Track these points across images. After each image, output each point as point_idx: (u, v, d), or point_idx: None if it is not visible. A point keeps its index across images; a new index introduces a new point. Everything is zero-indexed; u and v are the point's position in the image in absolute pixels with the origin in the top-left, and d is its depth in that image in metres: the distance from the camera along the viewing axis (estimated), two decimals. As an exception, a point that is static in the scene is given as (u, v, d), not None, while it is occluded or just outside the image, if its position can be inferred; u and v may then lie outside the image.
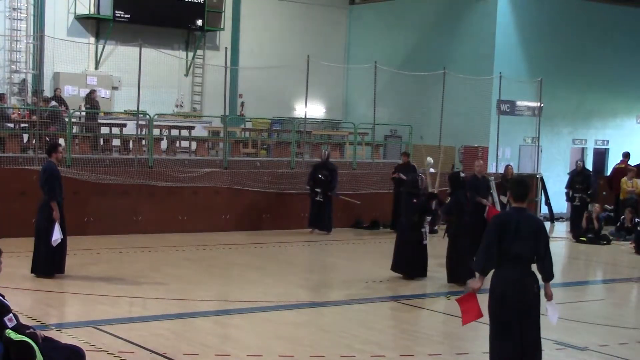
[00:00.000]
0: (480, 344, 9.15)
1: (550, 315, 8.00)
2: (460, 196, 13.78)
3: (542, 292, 7.75)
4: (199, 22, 27.69)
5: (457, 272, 13.48)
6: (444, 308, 12.07)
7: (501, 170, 24.64)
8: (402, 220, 14.62)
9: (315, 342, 9.70)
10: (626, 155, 24.33)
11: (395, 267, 14.26)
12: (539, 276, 7.74)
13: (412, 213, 14.18)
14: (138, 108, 20.02)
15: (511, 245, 7.52)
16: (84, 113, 23.36)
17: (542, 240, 7.65)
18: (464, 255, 13.27)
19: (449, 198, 14.14)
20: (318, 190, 19.68)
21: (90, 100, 22.02)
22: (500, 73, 25.38)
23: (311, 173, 20.00)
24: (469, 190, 15.43)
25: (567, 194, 22.73)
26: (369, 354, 9.18)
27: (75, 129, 20.47)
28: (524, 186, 7.86)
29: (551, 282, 7.78)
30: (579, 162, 23.55)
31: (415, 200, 14.20)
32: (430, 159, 23.07)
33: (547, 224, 24.73)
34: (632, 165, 24.13)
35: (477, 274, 7.79)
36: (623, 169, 23.56)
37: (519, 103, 27.34)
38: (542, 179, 25.50)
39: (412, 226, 14.14)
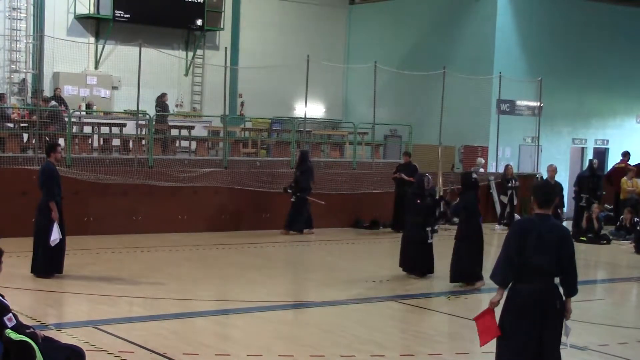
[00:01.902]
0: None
1: (564, 333, 7.25)
2: (471, 197, 13.54)
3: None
4: (199, 22, 27.68)
5: (461, 274, 13.43)
6: (444, 308, 12.08)
7: (501, 169, 24.69)
8: (408, 220, 14.68)
9: (316, 342, 9.70)
10: (625, 155, 24.28)
11: (402, 265, 14.39)
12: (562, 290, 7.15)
13: (416, 213, 14.21)
14: (138, 108, 20.02)
15: (532, 256, 6.83)
16: (84, 113, 23.41)
17: (567, 251, 6.93)
18: (471, 257, 13.25)
19: (458, 198, 14.01)
20: (290, 190, 19.58)
21: (161, 103, 22.15)
22: (500, 73, 25.38)
23: (294, 174, 20.00)
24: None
25: (576, 192, 22.21)
26: (369, 354, 9.18)
27: (75, 129, 20.47)
28: (549, 190, 7.21)
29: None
30: (594, 162, 22.66)
31: (419, 201, 14.21)
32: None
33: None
34: (632, 164, 24.09)
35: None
36: (623, 169, 23.52)
37: (518, 103, 27.34)
38: (542, 178, 25.50)
39: (416, 226, 14.19)
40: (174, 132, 22.59)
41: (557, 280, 7.07)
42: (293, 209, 19.63)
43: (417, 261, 14.23)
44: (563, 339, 7.19)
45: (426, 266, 14.27)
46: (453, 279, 13.50)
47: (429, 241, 14.22)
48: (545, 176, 25.72)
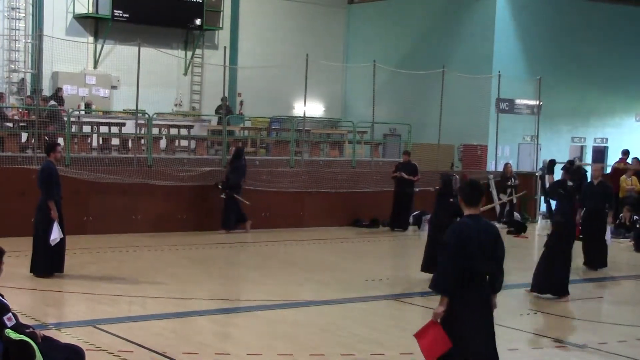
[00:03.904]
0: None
1: None
2: (566, 206, 13.11)
3: None
4: (198, 22, 27.71)
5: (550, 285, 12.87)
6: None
7: (500, 168, 24.71)
8: (433, 221, 14.22)
9: (315, 341, 9.70)
10: (625, 153, 24.32)
11: (425, 269, 13.85)
12: None
13: (445, 214, 13.57)
14: (137, 107, 20.03)
15: (478, 262, 6.71)
16: (83, 112, 23.41)
17: (501, 251, 6.90)
18: (563, 268, 12.79)
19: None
20: (220, 187, 19.20)
21: (225, 106, 22.30)
22: (500, 71, 25.40)
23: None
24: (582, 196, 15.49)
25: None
26: (368, 353, 9.18)
27: (74, 128, 20.47)
28: (478, 189, 7.01)
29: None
30: (576, 160, 23.63)
31: (451, 200, 13.88)
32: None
33: (546, 222, 24.79)
34: (631, 163, 24.09)
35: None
36: (622, 168, 23.53)
37: (518, 101, 27.34)
38: (541, 177, 25.49)
39: (442, 228, 13.72)
40: (173, 131, 22.60)
41: None
42: (228, 207, 19.19)
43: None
44: None
45: None
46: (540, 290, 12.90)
47: None
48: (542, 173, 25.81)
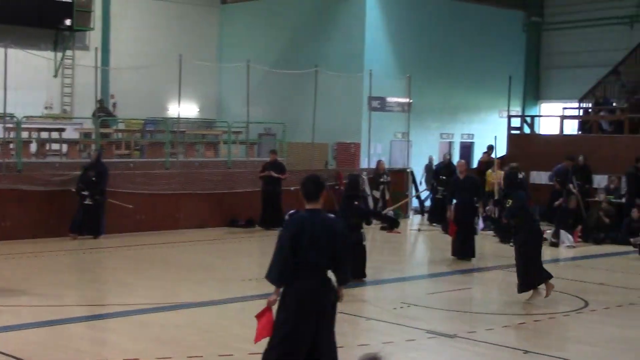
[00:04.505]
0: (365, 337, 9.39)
1: None
2: (522, 196, 12.77)
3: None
4: (68, 22, 27.10)
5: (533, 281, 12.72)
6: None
7: (373, 165, 25.26)
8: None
9: (194, 343, 9.76)
10: (490, 148, 25.28)
11: None
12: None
13: (352, 215, 13.53)
14: (5, 110, 19.48)
15: (308, 252, 6.91)
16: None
17: (340, 243, 7.07)
18: (537, 261, 12.71)
19: (510, 200, 12.88)
20: (85, 193, 18.64)
21: (104, 108, 21.56)
22: (371, 70, 25.95)
23: (81, 175, 18.89)
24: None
25: (431, 184, 23.85)
26: (246, 352, 9.28)
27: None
28: (316, 183, 7.14)
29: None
30: (446, 155, 24.67)
31: (356, 203, 13.92)
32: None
33: (418, 217, 25.50)
34: (496, 157, 25.08)
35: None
36: (487, 162, 24.48)
37: (389, 99, 28.03)
38: (412, 173, 26.21)
39: (351, 228, 13.82)
40: (44, 134, 22.06)
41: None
42: (95, 212, 18.67)
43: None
44: None
45: (358, 269, 13.59)
46: (525, 288, 12.70)
47: (363, 243, 13.82)
48: (414, 170, 26.54)
